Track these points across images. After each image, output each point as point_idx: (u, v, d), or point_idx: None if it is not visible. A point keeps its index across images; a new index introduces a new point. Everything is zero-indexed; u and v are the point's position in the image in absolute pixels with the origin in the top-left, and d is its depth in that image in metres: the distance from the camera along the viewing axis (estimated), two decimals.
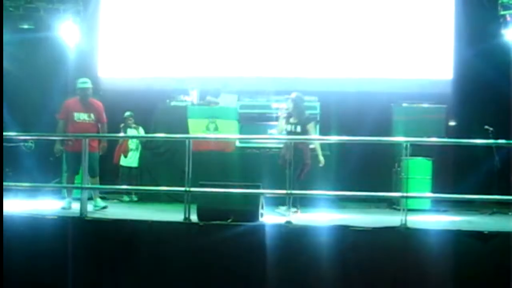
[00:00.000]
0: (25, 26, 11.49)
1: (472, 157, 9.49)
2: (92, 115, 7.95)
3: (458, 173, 9.61)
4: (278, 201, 7.59)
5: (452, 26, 11.16)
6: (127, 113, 10.07)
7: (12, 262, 6.10)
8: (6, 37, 11.32)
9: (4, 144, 9.59)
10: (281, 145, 8.44)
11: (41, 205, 8.20)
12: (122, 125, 10.04)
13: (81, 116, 7.91)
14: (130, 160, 10.00)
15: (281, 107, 8.20)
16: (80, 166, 7.51)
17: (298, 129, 8.04)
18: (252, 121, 9.67)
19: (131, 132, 9.94)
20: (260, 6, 11.56)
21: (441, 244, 5.83)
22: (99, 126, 8.02)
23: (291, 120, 8.10)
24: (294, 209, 7.15)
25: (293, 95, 8.20)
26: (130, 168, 9.97)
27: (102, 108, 8.16)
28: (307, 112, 8.47)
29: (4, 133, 8.87)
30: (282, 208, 7.19)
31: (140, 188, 7.85)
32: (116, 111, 10.42)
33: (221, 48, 11.74)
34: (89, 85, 8.06)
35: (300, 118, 8.08)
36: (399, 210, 6.56)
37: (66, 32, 11.33)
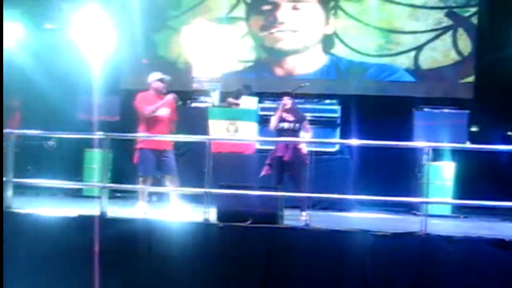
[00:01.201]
0: (48, 26, 11.62)
1: (494, 163, 9.37)
2: (167, 111, 7.64)
3: (480, 179, 9.51)
4: (298, 204, 7.56)
5: (475, 29, 11.06)
6: None
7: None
8: (29, 36, 11.47)
9: (26, 142, 9.74)
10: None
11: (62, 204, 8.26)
12: None
13: (163, 112, 7.56)
14: None
15: (279, 104, 7.93)
16: (156, 165, 7.43)
17: (296, 127, 7.83)
18: None
19: None
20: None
21: (461, 251, 5.77)
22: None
23: (288, 117, 7.84)
24: (304, 213, 7.09)
25: (290, 91, 7.99)
26: None
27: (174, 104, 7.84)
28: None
29: (26, 131, 8.99)
30: (304, 214, 7.14)
31: (160, 189, 7.87)
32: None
33: (242, 49, 11.80)
34: (165, 78, 7.76)
35: (297, 116, 7.92)
36: (419, 215, 6.49)
37: (88, 32, 11.40)
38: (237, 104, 9.92)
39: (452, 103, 10.01)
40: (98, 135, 7.46)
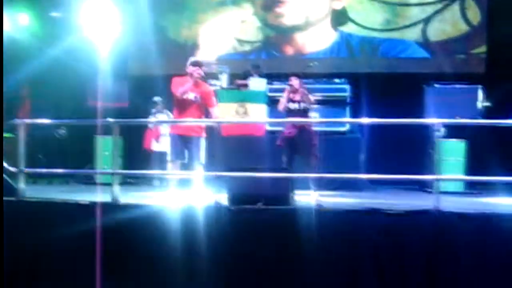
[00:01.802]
0: (55, 14, 11.60)
1: (507, 139, 9.27)
2: (198, 97, 7.40)
3: (493, 155, 9.40)
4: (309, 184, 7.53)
5: (486, 1, 10.89)
6: (157, 98, 10.10)
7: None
8: (37, 25, 11.46)
9: (37, 131, 9.77)
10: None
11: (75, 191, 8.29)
12: (153, 110, 10.09)
13: (189, 96, 7.35)
14: (162, 145, 10.04)
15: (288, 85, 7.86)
16: (187, 152, 7.31)
17: (304, 107, 7.73)
18: None
19: (161, 117, 9.97)
20: None
21: (475, 228, 5.72)
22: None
23: (296, 98, 7.77)
24: (316, 193, 7.06)
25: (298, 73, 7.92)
26: (161, 153, 10.01)
27: (211, 92, 7.65)
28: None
29: (37, 121, 9.02)
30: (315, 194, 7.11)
31: (170, 173, 7.85)
32: (145, 96, 10.50)
33: (248, 29, 11.74)
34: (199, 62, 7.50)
35: (305, 97, 7.87)
36: (431, 192, 6.44)
37: (95, 18, 11.37)
38: (245, 85, 9.87)
39: (464, 78, 9.89)
40: (107, 121, 7.42)
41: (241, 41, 11.75)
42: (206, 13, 11.89)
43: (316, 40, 11.49)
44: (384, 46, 11.26)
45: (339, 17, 11.41)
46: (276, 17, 11.57)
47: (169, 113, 10.06)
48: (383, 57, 11.26)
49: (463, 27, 10.83)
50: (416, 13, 10.98)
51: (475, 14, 10.74)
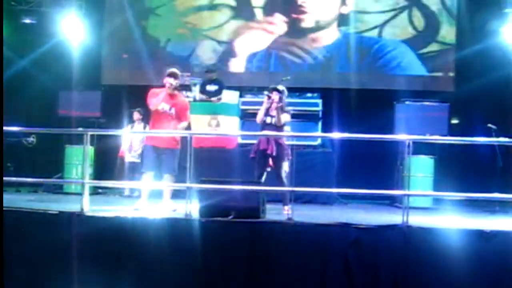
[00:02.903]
0: (28, 21, 11.50)
1: (474, 155, 9.47)
2: (173, 109, 7.39)
3: (461, 171, 9.60)
4: (280, 198, 7.56)
5: (455, 23, 11.16)
6: (137, 109, 10.03)
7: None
8: (8, 32, 11.33)
9: (6, 139, 9.63)
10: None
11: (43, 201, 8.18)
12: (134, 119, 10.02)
13: (164, 107, 7.34)
14: (134, 155, 9.97)
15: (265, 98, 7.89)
16: (159, 164, 7.28)
17: (274, 120, 7.70)
18: (254, 117, 9.66)
19: (138, 127, 9.91)
20: None
21: (443, 243, 5.81)
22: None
23: (272, 112, 7.75)
24: (287, 207, 7.08)
25: (280, 87, 7.93)
26: (134, 163, 9.93)
27: (186, 104, 7.67)
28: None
29: (5, 128, 8.89)
30: (286, 208, 7.13)
31: (141, 184, 7.80)
32: (118, 106, 10.45)
33: (222, 43, 11.79)
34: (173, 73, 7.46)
35: (282, 112, 7.87)
36: (401, 208, 6.53)
37: (69, 27, 11.33)
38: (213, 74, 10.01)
39: (433, 96, 10.07)
40: (78, 131, 7.36)
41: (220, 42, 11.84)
42: (186, 17, 11.94)
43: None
44: (379, 45, 11.45)
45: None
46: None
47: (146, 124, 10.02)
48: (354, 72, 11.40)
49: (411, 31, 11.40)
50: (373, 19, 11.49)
51: (420, 21, 11.37)
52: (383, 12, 11.47)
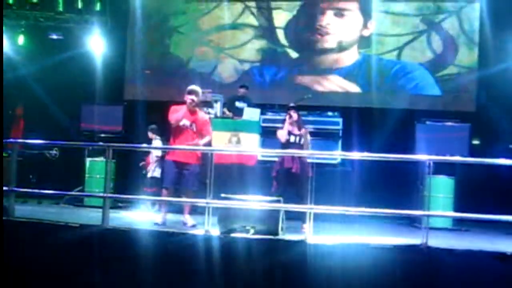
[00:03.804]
0: (55, 37, 11.74)
1: (495, 177, 9.36)
2: (194, 125, 7.53)
3: (481, 192, 9.51)
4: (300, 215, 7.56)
5: (477, 43, 11.14)
6: (152, 126, 10.12)
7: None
8: (35, 46, 11.57)
9: (29, 151, 9.79)
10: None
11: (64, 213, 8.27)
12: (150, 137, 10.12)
13: (185, 122, 7.47)
14: (154, 171, 10.04)
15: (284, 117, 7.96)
16: (180, 179, 7.38)
17: (302, 141, 7.85)
18: (275, 134, 9.70)
19: (155, 143, 9.98)
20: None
21: (462, 264, 5.77)
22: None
23: (294, 131, 7.88)
24: (306, 225, 7.09)
25: (294, 104, 8.00)
26: (155, 178, 10.01)
27: (206, 120, 7.80)
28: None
29: (28, 141, 9.04)
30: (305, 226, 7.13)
31: (163, 199, 7.86)
32: (140, 121, 10.56)
33: (243, 61, 11.91)
34: (194, 90, 7.59)
35: (301, 129, 7.90)
36: (420, 228, 6.49)
37: (93, 42, 11.55)
38: (229, 115, 9.98)
39: (454, 116, 10.04)
40: (100, 145, 7.45)
41: (241, 61, 12.02)
42: (209, 35, 12.09)
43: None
44: (398, 67, 11.55)
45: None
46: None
47: (162, 140, 10.10)
48: (375, 91, 11.42)
49: (429, 55, 11.47)
50: (392, 41, 11.63)
51: (438, 45, 11.44)
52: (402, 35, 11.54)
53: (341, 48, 11.67)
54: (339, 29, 11.71)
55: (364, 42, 11.64)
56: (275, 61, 12.00)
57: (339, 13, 11.74)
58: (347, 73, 11.62)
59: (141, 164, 10.18)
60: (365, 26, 11.61)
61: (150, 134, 10.04)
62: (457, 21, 11.28)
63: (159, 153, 9.80)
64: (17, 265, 6.30)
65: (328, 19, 11.76)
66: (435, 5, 11.39)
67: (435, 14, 11.39)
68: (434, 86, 11.35)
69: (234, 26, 12.06)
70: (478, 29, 11.15)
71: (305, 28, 11.89)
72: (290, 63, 11.96)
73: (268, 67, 11.99)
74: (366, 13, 11.70)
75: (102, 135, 10.11)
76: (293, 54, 11.96)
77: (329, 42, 11.74)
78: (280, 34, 11.99)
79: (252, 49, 12.04)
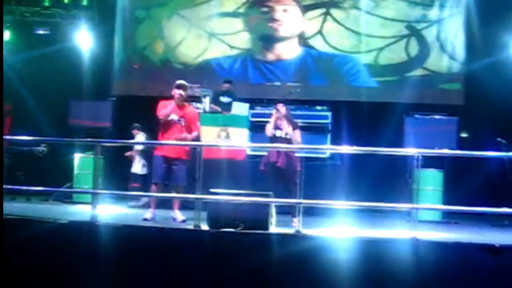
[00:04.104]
0: (41, 32, 11.64)
1: (484, 169, 9.43)
2: (182, 120, 7.54)
3: (470, 185, 9.57)
4: (289, 209, 7.57)
5: (464, 36, 11.20)
6: (135, 124, 10.16)
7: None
8: (21, 42, 11.48)
9: (17, 148, 9.71)
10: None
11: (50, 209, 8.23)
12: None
13: (173, 117, 7.49)
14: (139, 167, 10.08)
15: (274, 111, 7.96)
16: (169, 174, 7.38)
17: (288, 135, 7.87)
18: (264, 129, 9.70)
19: (139, 138, 9.99)
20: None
21: (452, 257, 5.80)
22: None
23: (282, 125, 7.87)
24: (295, 219, 7.11)
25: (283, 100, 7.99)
26: (137, 174, 10.05)
27: (195, 115, 7.86)
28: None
29: (16, 137, 8.97)
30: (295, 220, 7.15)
31: (152, 195, 7.85)
32: (128, 118, 10.51)
33: (232, 55, 11.90)
34: (182, 85, 7.59)
35: (290, 124, 7.92)
36: (409, 221, 6.52)
37: (80, 37, 11.47)
38: (217, 109, 9.98)
39: (442, 109, 10.08)
40: (90, 141, 7.41)
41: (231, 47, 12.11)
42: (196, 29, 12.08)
43: (288, 51, 12.06)
44: (338, 59, 11.87)
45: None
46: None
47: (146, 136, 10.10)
48: (363, 86, 11.46)
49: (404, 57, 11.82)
50: (375, 42, 11.88)
51: (413, 49, 11.78)
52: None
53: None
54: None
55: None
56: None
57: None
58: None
59: (127, 154, 10.19)
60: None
61: (134, 132, 10.05)
62: (436, 30, 11.64)
63: (140, 147, 9.82)
64: (6, 262, 6.25)
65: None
66: (421, 14, 11.77)
67: (419, 22, 11.75)
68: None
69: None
70: (466, 18, 11.33)
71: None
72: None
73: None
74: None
75: (91, 131, 10.06)
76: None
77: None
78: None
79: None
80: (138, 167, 10.07)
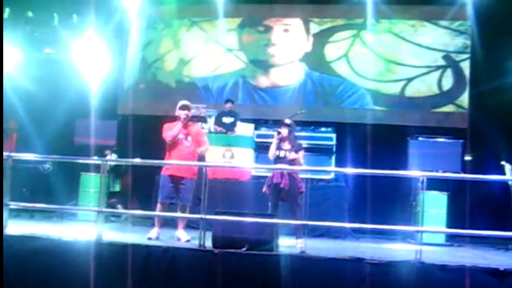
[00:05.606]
0: (48, 51, 11.77)
1: (487, 193, 9.44)
2: (189, 138, 7.54)
3: (474, 208, 9.56)
4: (293, 231, 7.57)
5: (469, 59, 11.25)
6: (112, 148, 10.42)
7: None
8: (28, 59, 11.58)
9: (22, 165, 9.75)
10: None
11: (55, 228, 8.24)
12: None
13: (180, 136, 7.48)
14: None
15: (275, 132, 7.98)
16: (176, 194, 7.38)
17: (292, 156, 7.80)
18: (268, 150, 9.73)
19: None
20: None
21: (456, 280, 5.78)
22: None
23: (284, 146, 7.84)
24: (300, 240, 7.11)
25: (288, 121, 8.01)
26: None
27: (201, 131, 7.91)
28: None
29: (22, 154, 9.01)
30: (299, 241, 7.15)
31: (156, 214, 7.84)
32: (134, 138, 10.57)
33: (237, 76, 11.99)
34: (186, 105, 7.60)
35: (293, 145, 7.97)
36: (414, 243, 6.52)
37: (87, 57, 11.57)
38: (221, 130, 10.03)
39: (447, 132, 10.11)
40: (96, 160, 7.45)
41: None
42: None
43: (286, 76, 11.97)
44: (343, 86, 11.72)
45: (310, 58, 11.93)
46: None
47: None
48: (368, 108, 11.50)
49: (435, 90, 11.45)
50: (404, 71, 11.54)
51: (447, 82, 11.41)
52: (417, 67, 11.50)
53: None
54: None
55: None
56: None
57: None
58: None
59: None
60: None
61: (107, 152, 10.18)
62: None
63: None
64: (10, 279, 6.26)
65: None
66: (463, 44, 11.32)
67: (458, 53, 11.32)
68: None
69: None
70: (471, 41, 11.21)
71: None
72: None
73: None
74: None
75: (96, 149, 10.13)
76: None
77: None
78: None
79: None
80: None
